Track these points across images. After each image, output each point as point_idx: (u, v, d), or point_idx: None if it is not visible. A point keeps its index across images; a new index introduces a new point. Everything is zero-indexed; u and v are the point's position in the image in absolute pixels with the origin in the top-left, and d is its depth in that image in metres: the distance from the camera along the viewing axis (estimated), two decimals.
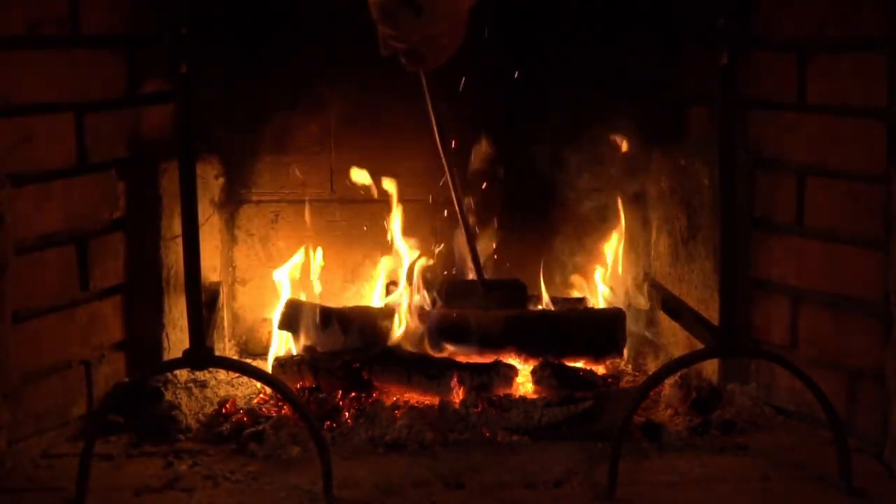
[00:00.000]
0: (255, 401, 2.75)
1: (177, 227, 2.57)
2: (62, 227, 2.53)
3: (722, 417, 2.60)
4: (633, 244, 3.14)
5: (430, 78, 2.74)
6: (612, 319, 2.92)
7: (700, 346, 2.57)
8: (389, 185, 3.06)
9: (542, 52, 3.04)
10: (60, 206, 2.52)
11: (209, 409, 2.68)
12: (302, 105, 3.07)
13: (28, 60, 2.43)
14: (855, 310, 2.49)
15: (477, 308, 2.94)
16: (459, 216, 2.93)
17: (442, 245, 3.10)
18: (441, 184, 2.94)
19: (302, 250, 3.07)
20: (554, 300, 3.08)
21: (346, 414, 2.62)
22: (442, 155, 2.86)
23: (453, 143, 2.90)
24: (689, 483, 2.34)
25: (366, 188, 3.07)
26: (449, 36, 2.45)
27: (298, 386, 2.74)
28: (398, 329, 2.91)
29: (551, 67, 3.04)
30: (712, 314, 2.60)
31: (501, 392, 2.72)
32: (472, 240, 2.97)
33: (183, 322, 2.59)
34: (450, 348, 2.88)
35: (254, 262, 3.15)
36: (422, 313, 2.94)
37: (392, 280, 3.10)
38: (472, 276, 3.02)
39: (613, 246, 3.12)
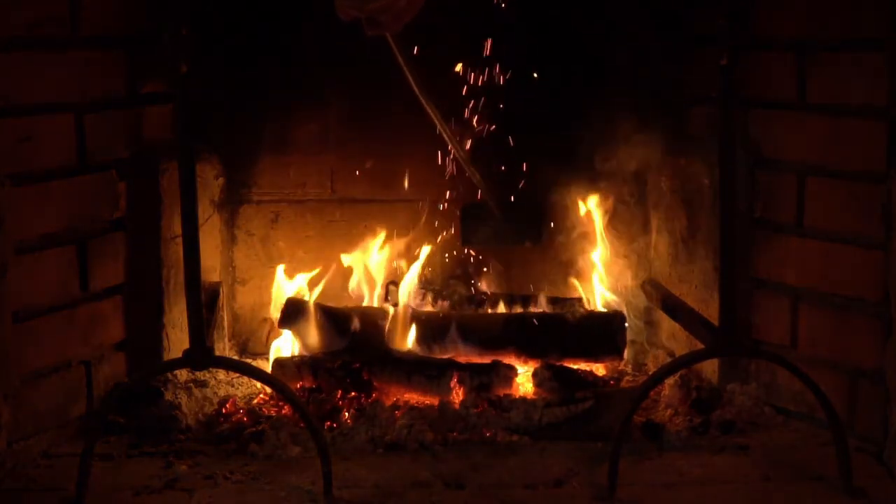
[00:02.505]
0: (255, 401, 2.75)
1: (177, 227, 2.57)
2: (62, 227, 2.53)
3: (722, 417, 2.60)
4: (633, 244, 3.14)
5: (397, 39, 2.75)
6: (612, 322, 2.92)
7: (700, 346, 2.57)
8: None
9: (540, 50, 3.03)
10: (60, 206, 2.52)
11: (209, 409, 2.68)
12: (302, 105, 3.07)
13: (28, 60, 2.43)
14: (855, 310, 2.49)
15: (492, 231, 2.96)
16: (450, 143, 2.94)
17: (440, 243, 3.11)
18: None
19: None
20: (554, 300, 3.09)
21: (346, 414, 2.62)
22: (430, 110, 2.88)
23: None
24: (689, 483, 2.34)
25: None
26: (406, 1, 2.45)
27: (298, 386, 2.74)
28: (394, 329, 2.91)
29: (550, 66, 3.04)
30: (712, 314, 2.60)
31: (501, 392, 2.72)
32: (472, 166, 2.97)
33: (183, 322, 2.59)
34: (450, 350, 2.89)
35: (254, 262, 3.15)
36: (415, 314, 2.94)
37: (392, 280, 3.09)
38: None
39: (613, 246, 3.12)
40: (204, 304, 2.37)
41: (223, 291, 2.99)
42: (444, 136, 2.95)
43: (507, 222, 3.00)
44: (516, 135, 3.05)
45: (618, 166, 3.06)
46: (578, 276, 3.14)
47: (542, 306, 3.05)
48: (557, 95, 3.04)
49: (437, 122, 2.92)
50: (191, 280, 2.26)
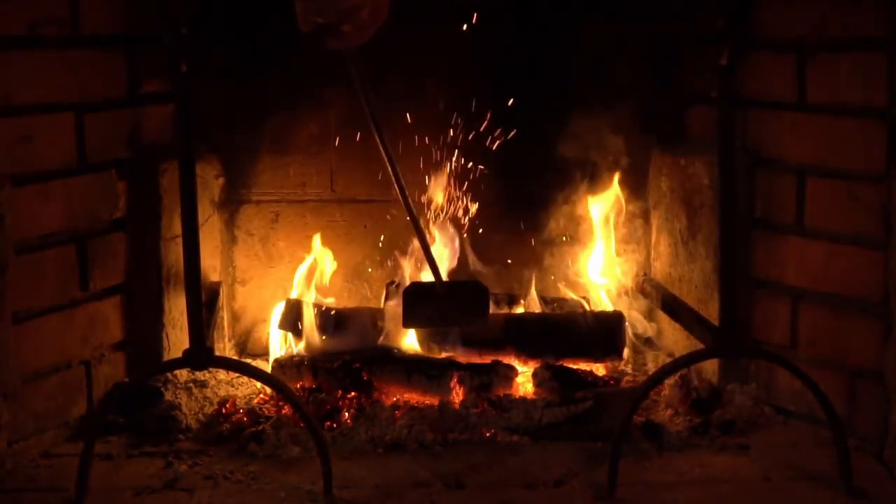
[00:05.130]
0: (255, 401, 2.75)
1: (177, 227, 2.57)
2: (62, 227, 2.53)
3: (722, 417, 2.60)
4: (633, 244, 3.14)
5: (356, 61, 2.70)
6: (611, 322, 2.92)
7: (700, 346, 2.57)
8: None
9: (538, 49, 3.03)
10: (60, 206, 2.52)
11: (209, 409, 2.68)
12: (302, 105, 3.07)
13: (28, 60, 2.43)
14: (855, 310, 2.49)
15: (436, 312, 2.83)
16: (409, 217, 2.81)
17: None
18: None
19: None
20: (554, 301, 3.08)
21: (346, 414, 2.62)
22: (380, 146, 2.74)
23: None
24: (689, 483, 2.34)
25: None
26: (369, 11, 2.41)
27: (298, 386, 2.74)
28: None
29: (550, 66, 3.04)
30: (712, 314, 2.61)
31: (501, 392, 2.72)
32: (425, 241, 2.84)
33: (183, 322, 2.59)
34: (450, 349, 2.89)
35: (254, 262, 3.15)
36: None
37: (392, 280, 3.09)
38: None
39: (613, 246, 3.12)
40: (204, 304, 2.37)
41: (223, 291, 2.99)
42: (400, 197, 2.75)
43: (451, 302, 2.88)
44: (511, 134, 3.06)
45: (617, 166, 3.06)
46: (578, 276, 3.14)
47: (542, 306, 3.05)
48: (555, 94, 3.04)
49: (394, 177, 2.73)
50: (191, 280, 2.26)
